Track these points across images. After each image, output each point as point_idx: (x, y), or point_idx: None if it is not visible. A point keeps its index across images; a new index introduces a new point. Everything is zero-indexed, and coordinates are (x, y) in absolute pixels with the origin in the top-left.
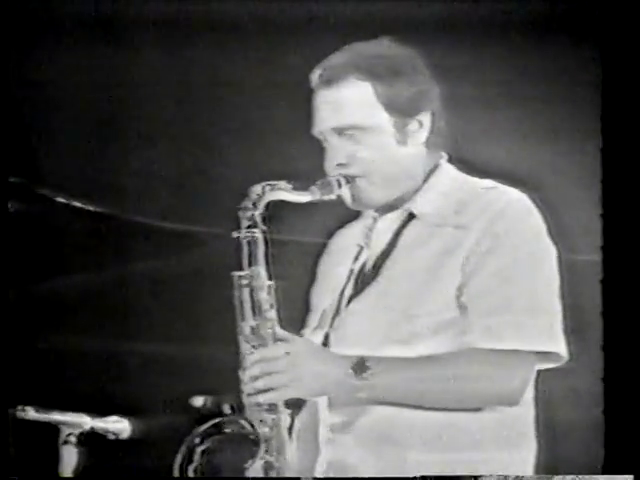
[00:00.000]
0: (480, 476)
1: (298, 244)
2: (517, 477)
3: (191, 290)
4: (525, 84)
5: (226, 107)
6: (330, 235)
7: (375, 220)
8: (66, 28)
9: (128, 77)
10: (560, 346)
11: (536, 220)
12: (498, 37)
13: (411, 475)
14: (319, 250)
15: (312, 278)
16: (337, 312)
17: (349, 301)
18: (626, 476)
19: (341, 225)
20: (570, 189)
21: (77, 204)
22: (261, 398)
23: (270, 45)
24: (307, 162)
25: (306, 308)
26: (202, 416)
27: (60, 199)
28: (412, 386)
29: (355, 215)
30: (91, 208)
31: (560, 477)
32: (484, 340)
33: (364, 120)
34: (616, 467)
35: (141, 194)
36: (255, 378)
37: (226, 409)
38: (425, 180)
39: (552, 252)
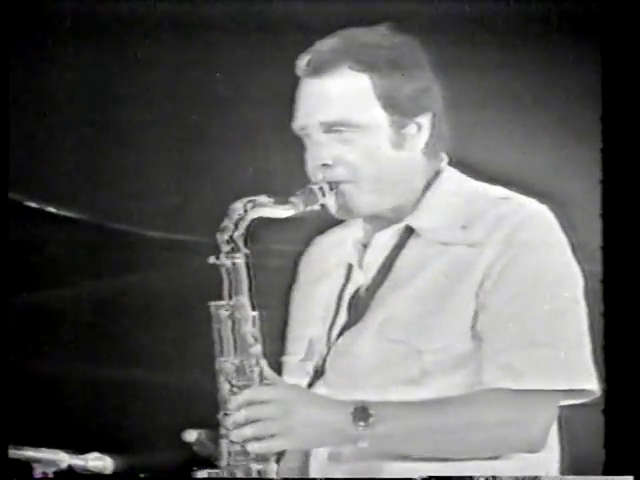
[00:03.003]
0: (479, 477)
1: (279, 254)
2: (515, 477)
3: (184, 308)
4: (524, 84)
5: (224, 111)
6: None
7: (367, 234)
8: (61, 29)
9: (118, 86)
10: (591, 382)
11: (558, 237)
12: (497, 37)
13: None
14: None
15: (288, 295)
16: (328, 344)
17: (342, 331)
18: (626, 477)
19: (320, 231)
20: (570, 189)
21: (63, 213)
22: (249, 447)
23: (272, 47)
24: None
25: (283, 330)
26: (195, 453)
27: (35, 205)
28: (422, 434)
29: (337, 221)
30: (77, 217)
31: (560, 477)
32: (502, 379)
33: (357, 116)
34: (616, 467)
35: (135, 202)
36: (241, 425)
37: (223, 446)
38: (425, 188)
39: (577, 273)
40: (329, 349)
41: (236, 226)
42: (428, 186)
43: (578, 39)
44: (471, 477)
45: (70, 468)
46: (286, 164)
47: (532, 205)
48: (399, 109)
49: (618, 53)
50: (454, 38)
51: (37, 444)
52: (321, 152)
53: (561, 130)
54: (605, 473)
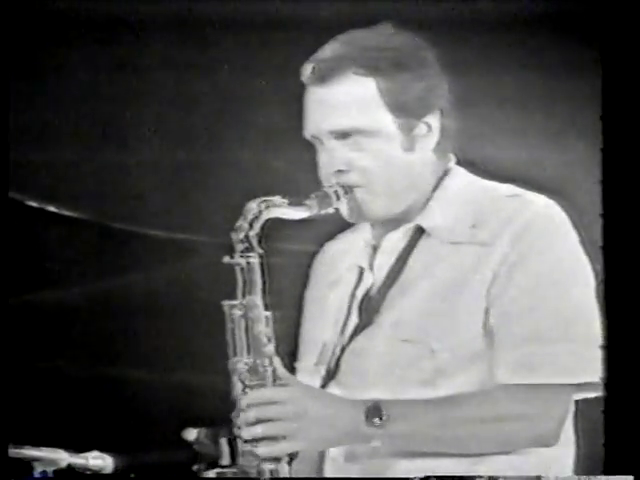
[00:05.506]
0: (480, 477)
1: (291, 254)
2: (511, 478)
3: (186, 308)
4: (524, 84)
5: (228, 111)
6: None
7: (376, 236)
8: (61, 29)
9: (122, 84)
10: (599, 375)
11: (568, 233)
12: (496, 37)
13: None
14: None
15: (301, 300)
16: (340, 346)
17: (355, 334)
18: (626, 476)
19: (331, 236)
20: (570, 189)
21: (65, 212)
22: (260, 449)
23: (275, 47)
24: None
25: (296, 336)
26: (195, 452)
27: (36, 205)
28: (435, 431)
29: (347, 225)
30: (79, 216)
31: (559, 477)
32: (514, 374)
33: (366, 122)
34: (616, 467)
35: (138, 202)
36: (253, 423)
37: (223, 444)
38: (434, 188)
39: (587, 269)
40: (342, 351)
41: (251, 225)
42: (437, 186)
43: (579, 39)
44: (471, 477)
45: (70, 467)
46: (293, 166)
47: (541, 201)
48: (407, 111)
49: (618, 53)
50: (454, 39)
51: (37, 443)
52: (333, 159)
53: (561, 130)
54: (605, 473)
